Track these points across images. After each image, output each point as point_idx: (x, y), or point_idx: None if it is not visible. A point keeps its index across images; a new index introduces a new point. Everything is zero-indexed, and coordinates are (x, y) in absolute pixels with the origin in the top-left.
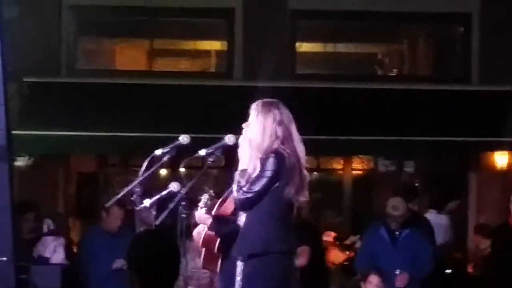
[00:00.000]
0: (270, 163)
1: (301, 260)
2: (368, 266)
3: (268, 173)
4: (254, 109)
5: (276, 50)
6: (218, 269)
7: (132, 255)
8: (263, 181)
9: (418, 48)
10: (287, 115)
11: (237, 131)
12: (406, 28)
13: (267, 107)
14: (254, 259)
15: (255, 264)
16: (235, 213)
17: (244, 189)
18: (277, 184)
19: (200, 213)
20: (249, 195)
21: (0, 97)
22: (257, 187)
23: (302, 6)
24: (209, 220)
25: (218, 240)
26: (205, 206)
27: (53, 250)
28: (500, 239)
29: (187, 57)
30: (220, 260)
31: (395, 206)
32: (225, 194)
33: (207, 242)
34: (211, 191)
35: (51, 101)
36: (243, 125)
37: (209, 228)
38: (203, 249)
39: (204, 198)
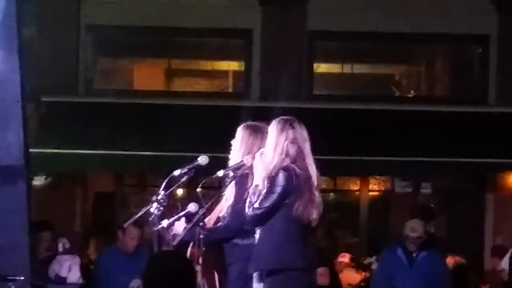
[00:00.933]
0: (279, 179)
1: (322, 279)
2: (384, 287)
3: (277, 189)
4: (271, 127)
5: (293, 71)
6: (217, 286)
7: (146, 277)
8: (273, 197)
9: (435, 69)
10: (301, 133)
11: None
12: (424, 49)
13: (281, 125)
14: (274, 275)
15: (273, 280)
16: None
17: (255, 205)
18: (287, 200)
19: (177, 225)
20: (259, 211)
21: (18, 116)
22: (266, 203)
23: (320, 27)
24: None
25: (201, 252)
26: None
27: (69, 269)
28: None
29: (204, 77)
30: (216, 276)
31: (414, 227)
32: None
33: (192, 257)
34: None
35: (68, 120)
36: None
37: (184, 238)
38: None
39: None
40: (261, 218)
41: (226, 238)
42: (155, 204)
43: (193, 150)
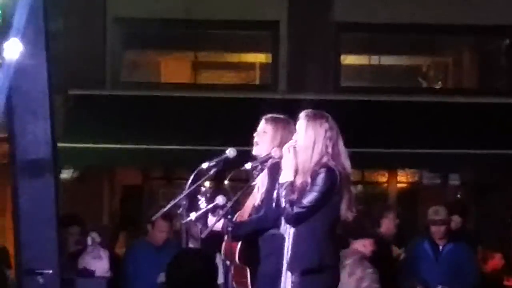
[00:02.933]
0: (323, 178)
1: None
2: (410, 279)
3: (321, 188)
4: (304, 119)
5: (320, 63)
6: (249, 285)
7: (169, 275)
8: (315, 195)
9: (463, 60)
10: (336, 130)
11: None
12: (451, 40)
13: (318, 121)
14: (309, 274)
15: (311, 279)
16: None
17: (297, 203)
18: (331, 200)
19: (211, 219)
20: (302, 210)
21: (46, 110)
22: (309, 202)
23: (346, 19)
24: (218, 223)
25: (238, 246)
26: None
27: (98, 262)
28: None
29: (231, 69)
30: (248, 274)
31: (436, 210)
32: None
33: (227, 252)
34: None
35: (96, 113)
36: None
37: (222, 231)
38: (230, 263)
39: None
40: (303, 217)
41: (264, 229)
42: (203, 199)
43: (220, 143)
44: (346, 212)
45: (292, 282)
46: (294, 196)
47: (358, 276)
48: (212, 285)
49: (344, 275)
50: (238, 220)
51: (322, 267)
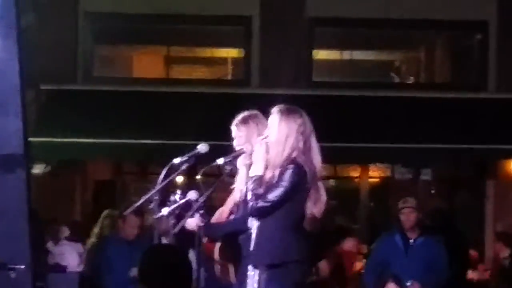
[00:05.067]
0: (290, 174)
1: (323, 272)
2: (376, 274)
3: (287, 184)
4: (277, 114)
5: (292, 58)
6: (233, 280)
7: (141, 270)
8: (280, 191)
9: (435, 55)
10: (309, 125)
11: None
12: (423, 35)
13: (291, 116)
14: (274, 268)
15: (274, 273)
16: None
17: (262, 197)
18: (295, 195)
19: (189, 220)
20: (266, 204)
21: (17, 105)
22: (274, 197)
23: (319, 14)
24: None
25: (217, 245)
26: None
27: (69, 257)
28: None
29: (204, 64)
30: (232, 269)
31: (405, 199)
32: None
33: (208, 251)
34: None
35: (68, 108)
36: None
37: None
38: (213, 261)
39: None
40: (267, 211)
41: (241, 230)
42: (155, 192)
43: (193, 138)
44: (312, 208)
45: (258, 277)
46: (261, 190)
47: None
48: (186, 279)
49: None
50: (218, 216)
51: (285, 262)
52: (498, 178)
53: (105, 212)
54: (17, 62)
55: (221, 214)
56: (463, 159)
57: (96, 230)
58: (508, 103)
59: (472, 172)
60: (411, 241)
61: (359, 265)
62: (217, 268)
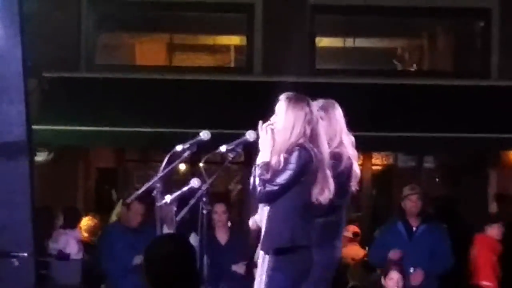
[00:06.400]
0: (295, 156)
1: None
2: (381, 260)
3: (293, 167)
4: (285, 101)
5: (295, 45)
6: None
7: (146, 260)
8: (288, 174)
9: (438, 43)
10: (315, 113)
11: (257, 127)
12: (426, 23)
13: (299, 104)
14: (284, 253)
15: (283, 258)
16: None
17: (269, 182)
18: (302, 178)
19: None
20: (274, 188)
21: (21, 92)
22: (281, 180)
23: (322, 1)
24: None
25: None
26: None
27: (66, 244)
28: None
29: (206, 52)
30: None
31: (412, 186)
32: None
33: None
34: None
35: (70, 96)
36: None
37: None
38: None
39: None
40: (275, 195)
41: None
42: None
43: (195, 126)
44: (318, 195)
45: (268, 263)
46: (268, 175)
47: None
48: (190, 267)
49: None
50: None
51: (294, 247)
52: (501, 166)
53: (122, 201)
54: (20, 50)
55: None
56: (466, 147)
57: (113, 217)
58: (510, 90)
59: (475, 160)
60: (414, 228)
61: (361, 252)
62: None
